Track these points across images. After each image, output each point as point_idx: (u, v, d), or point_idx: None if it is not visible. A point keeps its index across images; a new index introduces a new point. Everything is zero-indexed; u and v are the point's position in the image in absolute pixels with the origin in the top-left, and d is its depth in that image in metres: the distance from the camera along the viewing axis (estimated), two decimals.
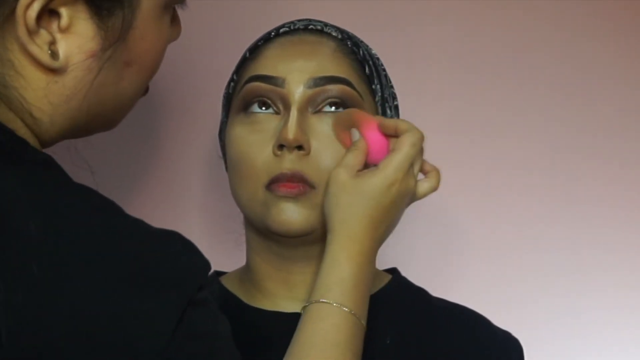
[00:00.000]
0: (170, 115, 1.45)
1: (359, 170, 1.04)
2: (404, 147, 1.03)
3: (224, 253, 1.33)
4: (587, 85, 1.48)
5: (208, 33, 1.44)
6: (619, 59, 1.49)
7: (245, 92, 1.10)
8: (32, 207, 0.78)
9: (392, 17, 1.47)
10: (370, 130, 1.06)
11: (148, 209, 1.44)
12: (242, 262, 1.18)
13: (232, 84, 1.15)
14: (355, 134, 1.07)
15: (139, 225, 0.83)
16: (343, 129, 1.07)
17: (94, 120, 0.89)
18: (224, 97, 1.16)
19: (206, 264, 0.84)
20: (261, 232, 1.11)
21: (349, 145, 1.06)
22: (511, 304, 1.42)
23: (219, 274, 1.20)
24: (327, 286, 0.99)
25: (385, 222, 1.03)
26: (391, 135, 1.06)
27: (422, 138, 1.05)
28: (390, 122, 1.06)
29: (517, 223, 1.46)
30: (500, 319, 1.17)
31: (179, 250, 0.83)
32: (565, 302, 1.45)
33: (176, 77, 1.44)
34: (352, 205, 1.01)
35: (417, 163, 1.05)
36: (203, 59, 1.44)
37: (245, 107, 1.10)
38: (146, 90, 0.94)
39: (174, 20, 0.93)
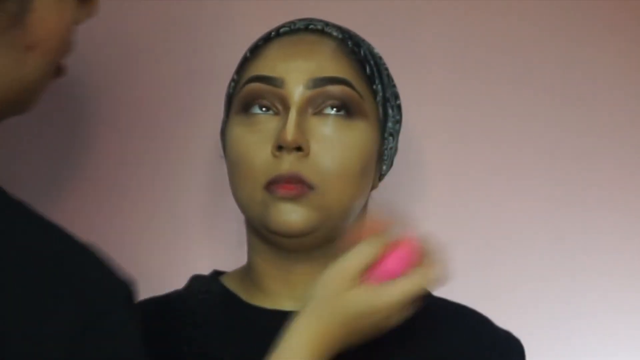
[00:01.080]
0: (171, 114, 1.45)
1: (361, 277, 0.98)
2: (417, 281, 0.98)
3: (226, 252, 1.33)
4: (586, 89, 1.48)
5: (209, 31, 1.44)
6: (618, 62, 1.48)
7: (245, 93, 1.10)
8: None
9: (393, 19, 1.47)
10: (398, 250, 1.00)
11: (149, 209, 1.44)
12: (243, 262, 1.18)
13: (232, 84, 1.14)
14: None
15: (47, 233, 0.78)
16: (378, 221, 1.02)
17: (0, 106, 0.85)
18: (226, 97, 1.16)
19: (120, 285, 0.78)
20: (261, 233, 1.11)
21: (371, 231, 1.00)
22: (511, 305, 1.42)
23: (219, 273, 1.20)
24: None
25: (355, 339, 1.00)
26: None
27: (441, 279, 1.00)
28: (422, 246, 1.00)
29: (517, 225, 1.46)
30: (500, 320, 1.17)
31: (88, 266, 0.78)
32: (565, 304, 1.44)
33: (178, 77, 1.44)
34: (336, 312, 0.97)
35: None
36: (204, 57, 1.44)
37: (245, 108, 1.10)
38: (59, 71, 0.89)
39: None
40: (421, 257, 1.00)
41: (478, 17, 1.48)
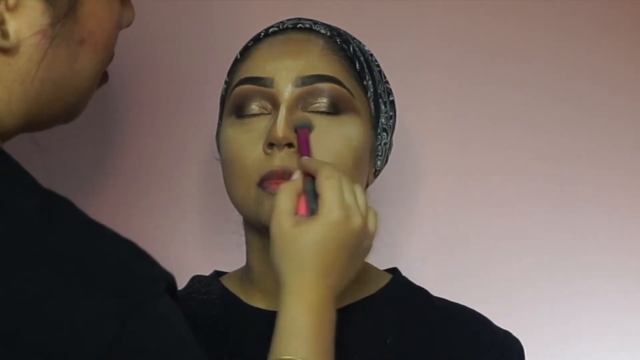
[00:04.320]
0: (170, 116, 1.46)
1: (297, 214, 1.00)
2: (324, 184, 0.99)
3: (225, 254, 1.33)
4: (584, 91, 1.48)
5: (205, 32, 1.45)
6: (616, 64, 1.48)
7: (236, 95, 1.11)
8: None
9: (392, 20, 1.48)
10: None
11: (148, 210, 1.45)
12: (242, 263, 1.18)
13: (225, 86, 1.16)
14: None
15: (90, 227, 0.80)
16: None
17: (53, 106, 0.87)
18: (220, 99, 1.17)
19: (161, 276, 0.79)
20: (258, 231, 1.11)
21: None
22: (511, 305, 1.42)
23: (219, 274, 1.20)
24: (285, 340, 0.95)
25: (337, 267, 0.98)
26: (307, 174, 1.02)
27: (333, 168, 1.00)
28: (308, 162, 1.03)
29: (517, 226, 1.46)
30: (500, 320, 1.17)
31: (127, 258, 0.79)
32: (564, 304, 1.44)
33: (174, 78, 1.45)
34: (299, 255, 0.97)
35: (350, 195, 1.00)
36: (200, 58, 1.45)
37: (236, 109, 1.11)
38: (105, 78, 0.93)
39: (125, 2, 0.92)
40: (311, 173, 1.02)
41: (477, 19, 1.48)
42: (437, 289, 1.19)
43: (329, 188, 0.99)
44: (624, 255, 1.45)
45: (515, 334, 1.16)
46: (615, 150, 1.47)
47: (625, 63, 1.49)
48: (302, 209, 1.00)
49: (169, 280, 0.79)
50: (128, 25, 0.93)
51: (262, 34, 1.14)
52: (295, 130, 1.07)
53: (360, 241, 1.00)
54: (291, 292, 0.97)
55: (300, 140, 1.06)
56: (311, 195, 1.00)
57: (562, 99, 1.48)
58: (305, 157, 1.04)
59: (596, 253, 1.45)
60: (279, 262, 0.99)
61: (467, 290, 1.36)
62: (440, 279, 1.33)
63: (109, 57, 0.91)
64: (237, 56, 1.15)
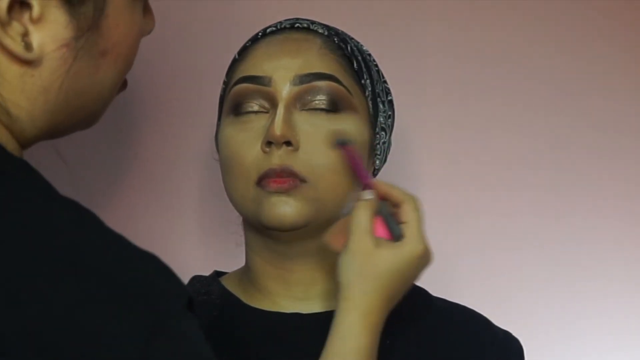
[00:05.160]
0: (170, 116, 1.47)
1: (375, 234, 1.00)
2: (413, 215, 1.01)
3: (224, 253, 1.34)
4: (587, 83, 1.49)
5: (205, 33, 1.45)
6: (620, 56, 1.49)
7: (234, 94, 1.11)
8: (3, 217, 0.77)
9: (389, 20, 1.48)
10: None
11: (149, 210, 1.45)
12: (242, 263, 1.18)
13: (223, 86, 1.16)
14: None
15: (115, 243, 0.80)
16: (339, 234, 1.03)
17: (74, 115, 0.88)
18: (219, 99, 1.17)
19: (184, 291, 0.79)
20: (257, 230, 1.11)
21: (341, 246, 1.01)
22: (511, 306, 1.43)
23: (219, 274, 1.20)
24: (342, 355, 0.96)
25: (401, 293, 1.01)
26: (382, 198, 1.03)
27: (417, 200, 1.03)
28: (383, 185, 1.03)
29: (517, 226, 1.46)
30: (500, 321, 1.17)
31: (152, 272, 0.79)
32: (565, 305, 1.45)
33: (174, 78, 1.46)
34: (377, 278, 0.98)
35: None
36: (200, 59, 1.46)
37: (235, 108, 1.11)
38: (124, 85, 0.93)
39: (147, 11, 0.92)
40: (388, 197, 1.03)
41: (477, 19, 1.49)
42: (437, 289, 1.19)
43: (417, 220, 1.01)
44: (623, 257, 1.46)
45: (515, 334, 1.16)
46: (616, 156, 1.48)
47: (628, 69, 1.49)
48: (381, 231, 1.00)
49: (189, 294, 0.79)
50: (148, 33, 0.94)
51: (260, 34, 1.15)
52: (340, 147, 1.07)
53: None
54: (357, 310, 0.97)
55: (350, 159, 1.06)
56: (392, 220, 1.01)
57: (564, 101, 1.48)
58: (379, 181, 1.04)
59: (596, 254, 1.46)
60: (352, 277, 0.98)
61: (467, 290, 1.37)
62: (441, 279, 1.33)
63: (131, 64, 0.91)
64: (235, 56, 1.15)
